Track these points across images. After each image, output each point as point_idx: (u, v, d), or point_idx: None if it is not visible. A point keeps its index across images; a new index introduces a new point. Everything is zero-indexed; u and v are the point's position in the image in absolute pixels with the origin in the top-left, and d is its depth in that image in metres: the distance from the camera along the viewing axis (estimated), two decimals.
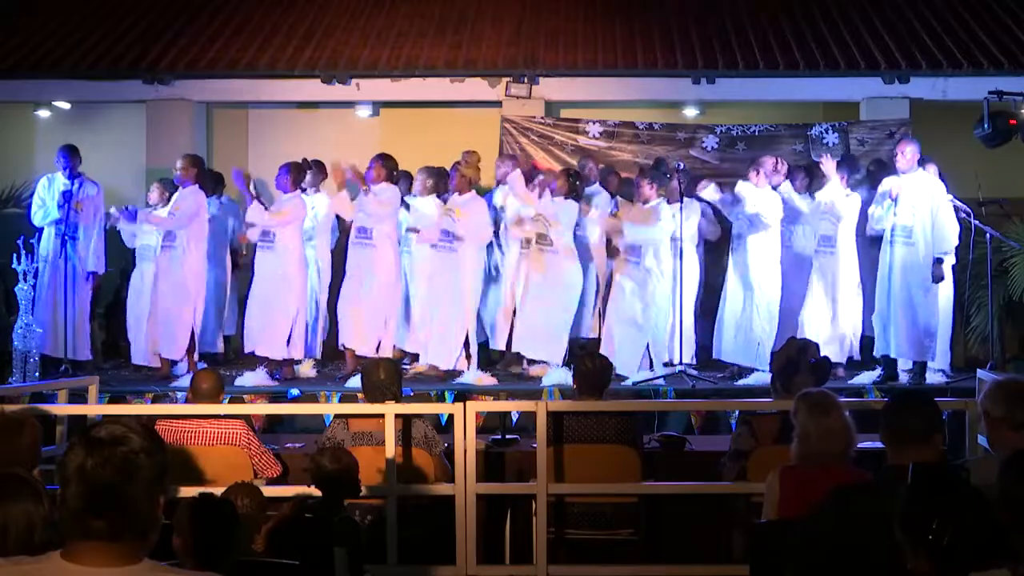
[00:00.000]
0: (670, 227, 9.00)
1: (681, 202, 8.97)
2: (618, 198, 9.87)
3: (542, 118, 11.14)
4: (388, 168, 9.41)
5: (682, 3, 12.42)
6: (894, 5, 12.10)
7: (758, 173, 9.18)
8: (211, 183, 10.03)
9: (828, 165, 9.18)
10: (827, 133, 10.74)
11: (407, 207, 9.46)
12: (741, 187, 9.24)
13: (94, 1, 12.68)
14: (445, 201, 9.37)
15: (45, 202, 9.41)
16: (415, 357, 9.42)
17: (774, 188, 9.38)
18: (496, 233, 9.52)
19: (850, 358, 9.30)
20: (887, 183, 8.89)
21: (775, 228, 9.19)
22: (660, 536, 6.34)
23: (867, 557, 3.37)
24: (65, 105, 11.86)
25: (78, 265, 9.35)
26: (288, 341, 9.13)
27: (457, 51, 11.48)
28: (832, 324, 9.23)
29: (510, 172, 9.47)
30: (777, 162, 9.47)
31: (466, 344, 9.15)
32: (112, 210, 9.63)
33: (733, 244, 9.35)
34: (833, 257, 9.27)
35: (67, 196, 9.22)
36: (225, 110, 12.32)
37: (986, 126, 8.50)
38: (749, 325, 9.15)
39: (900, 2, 12.14)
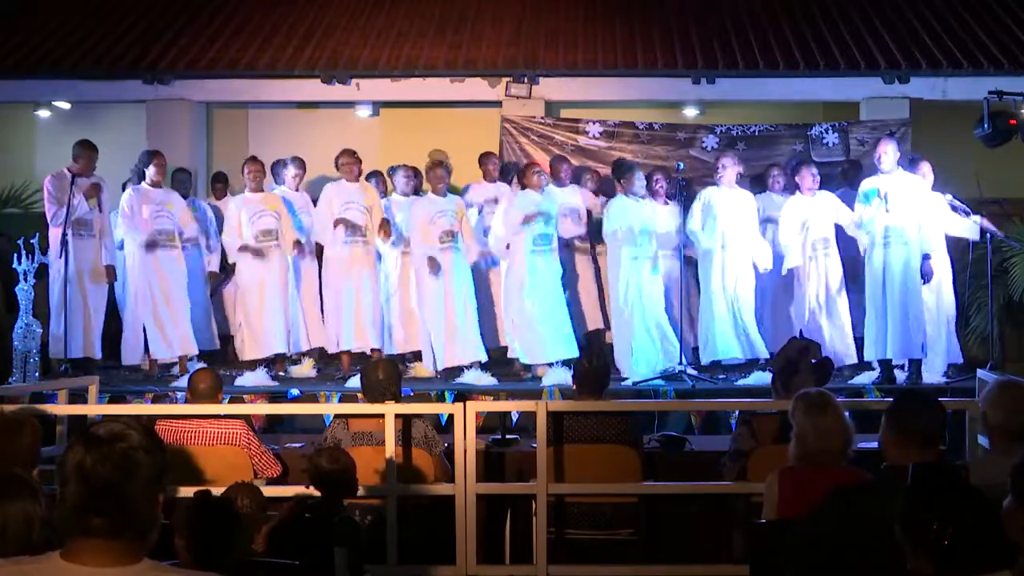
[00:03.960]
0: (671, 226, 9.04)
1: (681, 202, 8.99)
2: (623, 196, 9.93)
3: (542, 118, 11.15)
4: (360, 164, 9.39)
5: (682, 3, 12.42)
6: (894, 5, 12.10)
7: (735, 169, 9.33)
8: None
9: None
10: (827, 133, 10.74)
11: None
12: (711, 192, 9.40)
13: (94, 1, 12.68)
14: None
15: (65, 201, 9.16)
16: (415, 357, 9.43)
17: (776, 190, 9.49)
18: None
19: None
20: (872, 183, 8.87)
21: (753, 228, 9.32)
22: (660, 536, 6.33)
23: (867, 557, 3.37)
24: (65, 105, 11.86)
25: (98, 263, 9.32)
26: (283, 338, 9.14)
27: (457, 51, 11.48)
28: (828, 323, 9.27)
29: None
30: (734, 160, 9.58)
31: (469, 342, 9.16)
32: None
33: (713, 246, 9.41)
34: (826, 259, 9.33)
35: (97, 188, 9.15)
36: (225, 110, 12.32)
37: (986, 126, 8.50)
38: (732, 322, 9.21)
39: (900, 2, 12.15)
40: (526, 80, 11.01)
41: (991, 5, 12.02)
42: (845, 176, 10.12)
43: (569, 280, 9.53)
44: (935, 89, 10.93)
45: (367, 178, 9.72)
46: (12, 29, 11.96)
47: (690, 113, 11.73)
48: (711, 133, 10.92)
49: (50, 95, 11.68)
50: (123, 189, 9.74)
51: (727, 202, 9.39)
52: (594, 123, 11.01)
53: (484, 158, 9.97)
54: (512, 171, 10.01)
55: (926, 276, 8.77)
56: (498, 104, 11.28)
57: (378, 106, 11.92)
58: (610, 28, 11.89)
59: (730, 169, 9.39)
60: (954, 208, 9.00)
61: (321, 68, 11.19)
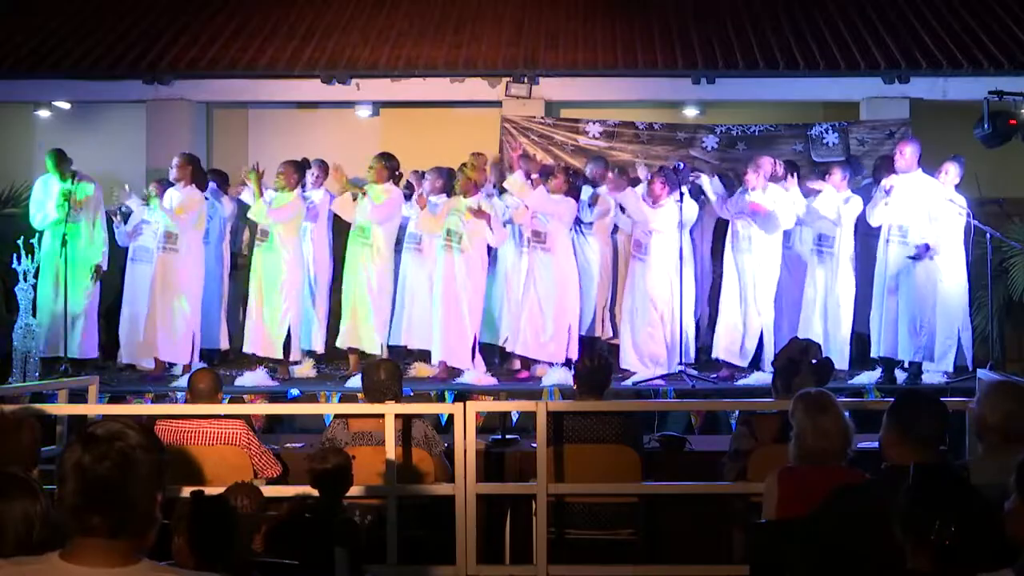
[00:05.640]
0: (675, 226, 9.04)
1: (681, 201, 8.98)
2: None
3: (542, 118, 11.14)
4: (390, 168, 9.40)
5: (682, 3, 12.42)
6: (894, 5, 12.10)
7: (757, 175, 9.11)
8: (213, 182, 10.06)
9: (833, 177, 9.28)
10: (827, 133, 10.73)
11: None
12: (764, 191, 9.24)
13: (94, 1, 12.69)
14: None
15: (43, 204, 9.36)
16: (416, 357, 9.42)
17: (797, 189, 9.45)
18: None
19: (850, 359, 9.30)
20: (886, 181, 8.90)
21: (783, 228, 9.13)
22: (660, 536, 6.33)
23: (867, 557, 3.37)
24: (65, 105, 11.86)
25: (78, 264, 9.31)
26: (286, 341, 9.13)
27: (457, 51, 11.48)
28: (829, 325, 9.23)
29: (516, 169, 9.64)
30: (775, 162, 9.44)
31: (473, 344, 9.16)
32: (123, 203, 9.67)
33: (733, 243, 9.27)
34: (831, 258, 9.28)
35: (66, 196, 9.19)
36: (225, 110, 12.32)
37: (986, 126, 8.50)
38: (743, 325, 9.13)
39: (900, 2, 12.15)
40: (526, 80, 11.01)
41: (991, 5, 12.02)
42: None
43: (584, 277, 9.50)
44: (935, 89, 10.93)
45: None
46: (12, 29, 11.96)
47: (690, 113, 11.72)
48: (711, 133, 10.91)
49: (50, 95, 11.67)
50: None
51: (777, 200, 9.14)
52: (594, 123, 11.01)
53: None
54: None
55: (917, 257, 8.69)
56: (498, 104, 11.28)
57: (378, 106, 11.92)
58: (610, 28, 11.89)
59: (751, 175, 9.05)
60: None
61: (321, 68, 11.19)
